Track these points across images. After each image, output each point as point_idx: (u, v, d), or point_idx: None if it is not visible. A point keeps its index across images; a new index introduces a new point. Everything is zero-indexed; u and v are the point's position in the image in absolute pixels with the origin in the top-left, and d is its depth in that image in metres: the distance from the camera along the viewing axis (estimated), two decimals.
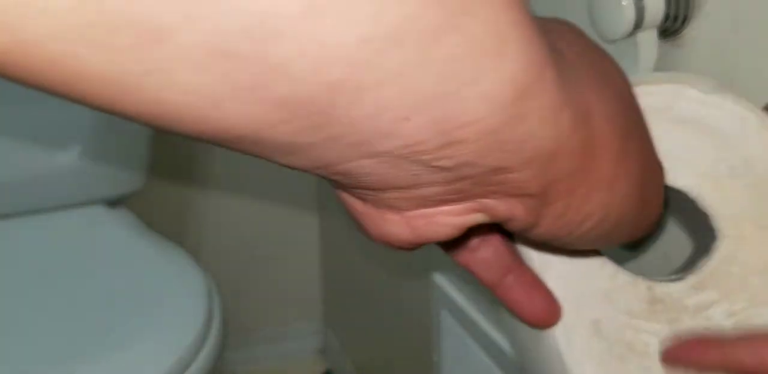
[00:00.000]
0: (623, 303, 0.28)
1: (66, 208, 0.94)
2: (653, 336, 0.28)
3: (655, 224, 0.25)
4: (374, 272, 1.05)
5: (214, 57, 0.14)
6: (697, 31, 0.39)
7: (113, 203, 0.99)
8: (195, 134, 0.17)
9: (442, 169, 0.18)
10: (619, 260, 0.29)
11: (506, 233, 0.27)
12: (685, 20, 0.39)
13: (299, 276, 1.35)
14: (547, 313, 0.26)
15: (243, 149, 0.18)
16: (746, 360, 0.26)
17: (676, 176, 0.30)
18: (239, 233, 1.27)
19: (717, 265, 0.29)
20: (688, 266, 0.30)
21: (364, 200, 0.22)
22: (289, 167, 0.19)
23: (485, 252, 0.27)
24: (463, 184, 0.19)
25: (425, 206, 0.21)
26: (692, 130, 0.30)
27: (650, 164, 0.24)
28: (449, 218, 0.21)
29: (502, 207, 0.21)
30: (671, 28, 0.39)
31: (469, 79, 0.16)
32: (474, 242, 0.27)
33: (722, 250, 0.29)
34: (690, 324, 0.28)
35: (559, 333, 0.27)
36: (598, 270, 0.28)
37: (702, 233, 0.31)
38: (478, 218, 0.21)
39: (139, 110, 0.16)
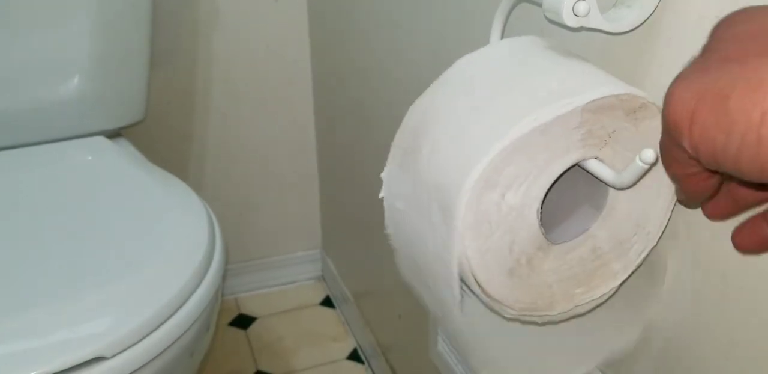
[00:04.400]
0: (520, 223, 0.40)
1: (67, 139, 0.94)
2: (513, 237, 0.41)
3: None
4: (371, 205, 1.06)
5: None
6: None
7: (114, 134, 0.99)
8: None
9: None
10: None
11: None
12: None
13: (299, 208, 1.37)
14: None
15: None
16: None
17: None
18: (242, 166, 1.28)
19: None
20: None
21: None
22: None
23: None
24: None
25: None
26: None
27: None
28: None
29: None
30: None
31: None
32: None
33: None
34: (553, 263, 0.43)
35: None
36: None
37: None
38: None
39: None
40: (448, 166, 0.40)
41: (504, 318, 0.43)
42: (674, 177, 0.31)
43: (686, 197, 0.33)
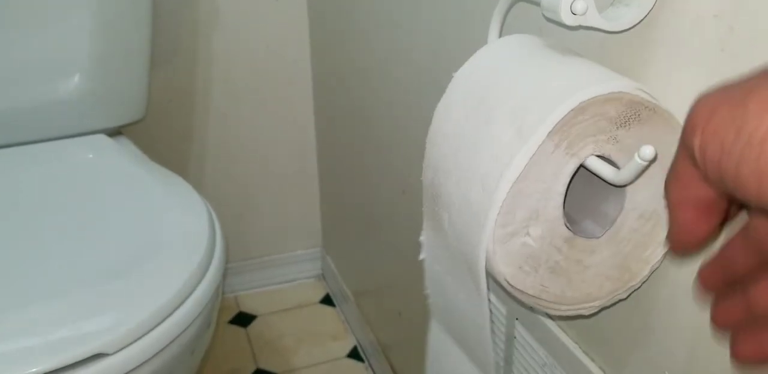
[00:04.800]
0: (555, 242, 0.41)
1: (68, 138, 0.94)
2: (557, 256, 0.42)
3: None
4: (371, 204, 1.06)
5: None
6: None
7: (115, 133, 0.99)
8: None
9: None
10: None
11: None
12: None
13: (300, 207, 1.37)
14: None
15: None
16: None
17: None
18: (241, 166, 1.28)
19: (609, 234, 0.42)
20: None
21: None
22: None
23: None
24: None
25: None
26: None
27: None
28: None
29: None
30: None
31: None
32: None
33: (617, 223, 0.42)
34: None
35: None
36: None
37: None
38: None
39: None
40: (464, 233, 0.41)
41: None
42: (670, 202, 0.29)
43: (674, 239, 0.29)
